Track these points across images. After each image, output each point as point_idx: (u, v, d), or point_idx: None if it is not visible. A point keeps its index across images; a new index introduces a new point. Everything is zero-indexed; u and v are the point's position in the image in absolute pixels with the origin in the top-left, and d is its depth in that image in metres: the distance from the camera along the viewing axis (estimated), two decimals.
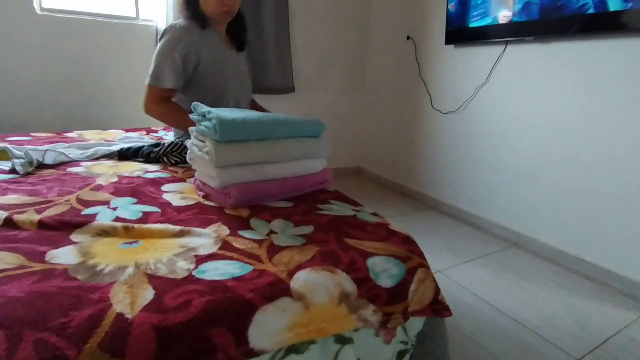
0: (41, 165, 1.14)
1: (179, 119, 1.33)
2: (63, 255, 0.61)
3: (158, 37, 1.47)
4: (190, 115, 0.96)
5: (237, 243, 0.69)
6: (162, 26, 2.21)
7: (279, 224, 0.79)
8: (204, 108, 0.93)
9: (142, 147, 1.29)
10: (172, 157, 1.24)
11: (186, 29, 1.31)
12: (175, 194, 0.94)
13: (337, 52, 2.91)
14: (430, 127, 2.48)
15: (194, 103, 0.97)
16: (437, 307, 0.70)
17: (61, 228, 0.71)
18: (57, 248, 0.64)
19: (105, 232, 0.71)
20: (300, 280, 0.59)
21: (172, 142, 1.28)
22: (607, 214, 1.60)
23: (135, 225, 0.72)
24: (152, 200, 0.89)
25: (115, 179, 1.03)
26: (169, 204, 0.87)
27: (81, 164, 1.19)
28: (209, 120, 0.87)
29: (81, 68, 2.11)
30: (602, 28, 1.52)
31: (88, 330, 0.45)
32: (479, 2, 1.87)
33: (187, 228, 0.73)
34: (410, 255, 0.72)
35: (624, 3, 1.41)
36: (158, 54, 1.30)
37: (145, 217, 0.79)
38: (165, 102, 1.34)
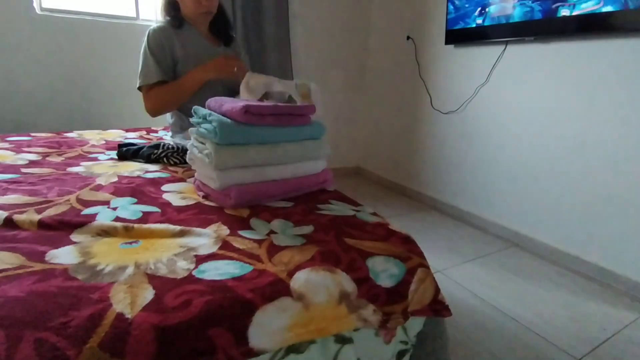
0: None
1: (173, 87, 1.34)
2: (63, 255, 0.61)
3: None
4: (191, 119, 0.96)
5: (237, 243, 0.69)
6: None
7: (279, 224, 0.79)
8: (204, 111, 0.93)
9: (142, 147, 1.29)
10: (172, 158, 1.24)
11: (159, 31, 1.36)
12: (175, 194, 0.94)
13: (337, 52, 2.90)
14: (430, 127, 2.48)
15: (194, 107, 0.97)
16: (437, 307, 0.70)
17: (61, 228, 0.71)
18: (57, 248, 0.64)
19: (105, 232, 0.70)
20: (300, 280, 0.59)
21: (172, 145, 1.28)
22: (607, 214, 1.60)
23: (135, 225, 0.72)
24: (152, 200, 0.89)
25: (115, 179, 1.03)
26: (169, 204, 0.87)
27: (81, 163, 1.19)
28: (210, 122, 0.87)
29: (81, 68, 2.11)
30: (602, 28, 1.52)
31: (88, 330, 0.45)
32: None
33: (187, 228, 0.73)
34: (410, 255, 0.72)
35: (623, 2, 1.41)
36: (141, 57, 1.35)
37: (145, 217, 0.79)
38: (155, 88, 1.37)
